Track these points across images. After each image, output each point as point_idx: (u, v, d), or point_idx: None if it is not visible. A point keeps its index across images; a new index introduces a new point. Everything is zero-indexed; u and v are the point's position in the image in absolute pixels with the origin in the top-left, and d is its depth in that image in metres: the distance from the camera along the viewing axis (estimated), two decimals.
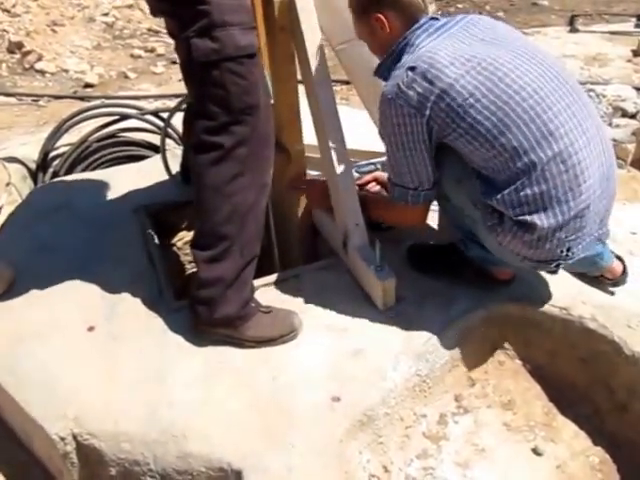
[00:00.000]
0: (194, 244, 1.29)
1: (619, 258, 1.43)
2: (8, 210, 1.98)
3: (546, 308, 1.39)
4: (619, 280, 1.41)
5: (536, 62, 1.20)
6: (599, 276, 1.42)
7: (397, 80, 1.20)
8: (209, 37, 1.09)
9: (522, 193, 1.15)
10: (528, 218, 1.16)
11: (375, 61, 1.37)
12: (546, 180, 1.15)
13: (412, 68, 1.18)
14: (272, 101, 1.52)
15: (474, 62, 1.17)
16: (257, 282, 1.45)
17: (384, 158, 1.79)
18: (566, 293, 1.41)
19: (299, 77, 1.48)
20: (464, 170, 1.23)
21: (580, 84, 1.32)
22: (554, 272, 1.34)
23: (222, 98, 1.14)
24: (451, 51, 1.19)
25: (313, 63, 1.38)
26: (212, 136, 1.17)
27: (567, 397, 1.36)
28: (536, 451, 1.26)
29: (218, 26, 1.09)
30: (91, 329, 1.35)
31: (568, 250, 1.22)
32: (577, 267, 1.37)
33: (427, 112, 1.17)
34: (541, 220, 1.16)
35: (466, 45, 1.21)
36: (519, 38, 1.28)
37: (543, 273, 1.45)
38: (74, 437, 1.15)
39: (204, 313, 1.28)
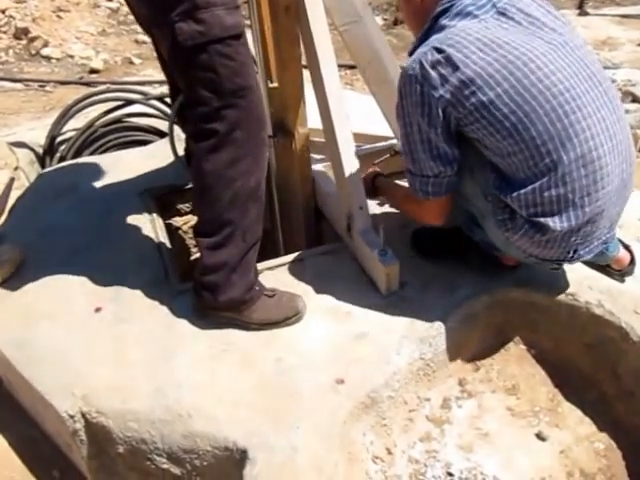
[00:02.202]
0: (197, 232, 1.28)
1: (627, 248, 1.41)
2: (16, 194, 1.99)
3: (552, 293, 1.38)
4: (627, 271, 1.38)
5: (572, 59, 1.13)
6: (605, 266, 1.40)
7: (421, 57, 1.13)
8: (194, 19, 1.06)
9: (539, 194, 1.11)
10: (542, 220, 1.13)
11: (379, 42, 1.35)
12: (565, 183, 1.10)
13: (438, 49, 1.11)
14: (276, 84, 1.51)
15: (505, 50, 1.09)
16: (261, 265, 1.45)
17: (386, 142, 1.78)
18: (572, 278, 1.40)
19: (303, 60, 1.47)
20: (479, 161, 1.18)
21: None
22: (556, 269, 1.32)
23: (212, 82, 1.11)
24: (482, 35, 1.10)
25: (318, 44, 1.37)
26: (207, 123, 1.15)
27: (572, 383, 1.36)
28: (540, 436, 1.26)
29: (202, 7, 1.06)
30: (98, 310, 1.36)
31: (575, 252, 1.19)
32: None
33: (448, 96, 1.10)
34: (554, 223, 1.12)
35: (502, 29, 1.12)
36: (560, 25, 1.17)
37: None
38: (83, 415, 1.17)
39: (209, 298, 1.28)
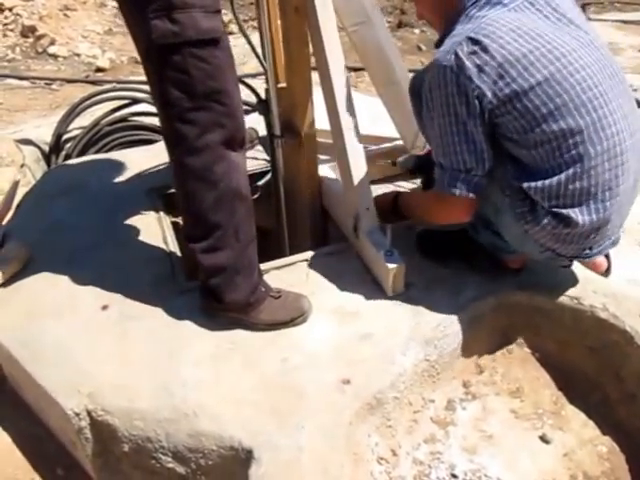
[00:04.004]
0: (187, 237, 1.26)
1: (606, 256, 1.41)
2: (23, 191, 2.00)
3: (556, 297, 1.38)
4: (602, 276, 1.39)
5: (598, 57, 1.15)
6: None
7: (455, 47, 1.11)
8: (169, 19, 1.04)
9: (564, 186, 1.11)
10: (564, 211, 1.13)
11: (387, 43, 1.35)
12: (590, 176, 1.11)
13: (474, 40, 1.10)
14: (284, 84, 1.51)
15: (540, 42, 1.10)
16: (266, 265, 1.46)
17: (392, 143, 1.79)
18: (577, 282, 1.40)
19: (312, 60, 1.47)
20: (497, 156, 1.18)
21: None
22: (566, 267, 1.32)
23: (184, 83, 1.08)
24: (517, 25, 1.11)
25: (327, 44, 1.37)
26: (177, 125, 1.12)
27: (576, 386, 1.36)
28: (544, 439, 1.26)
29: (178, 8, 1.04)
30: (105, 308, 1.37)
31: (590, 249, 1.20)
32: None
33: (484, 87, 1.10)
34: (576, 215, 1.13)
35: (531, 21, 1.13)
36: (584, 23, 1.19)
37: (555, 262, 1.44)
38: (88, 413, 1.17)
39: (214, 301, 1.28)
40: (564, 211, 1.13)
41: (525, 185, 1.15)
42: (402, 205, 1.48)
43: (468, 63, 1.10)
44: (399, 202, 1.49)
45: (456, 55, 1.11)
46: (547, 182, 1.12)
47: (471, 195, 1.20)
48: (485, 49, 1.10)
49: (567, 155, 1.11)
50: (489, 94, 1.11)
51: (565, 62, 1.11)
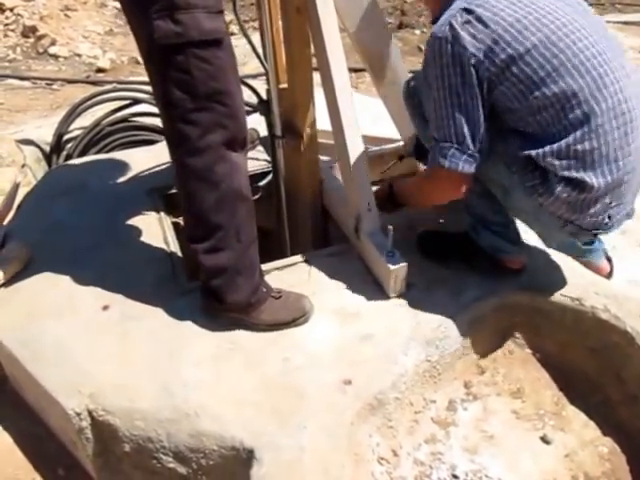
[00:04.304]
0: (188, 238, 1.27)
1: (609, 260, 1.41)
2: (24, 191, 2.00)
3: (557, 298, 1.38)
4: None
5: (592, 21, 1.16)
6: None
7: (450, 19, 1.13)
8: (172, 19, 1.04)
9: (573, 147, 1.10)
10: (577, 175, 1.11)
11: (388, 45, 1.35)
12: (598, 136, 1.10)
13: (467, 10, 1.12)
14: (286, 85, 1.51)
15: (533, 7, 1.12)
16: (267, 266, 1.46)
17: (393, 145, 1.79)
18: (578, 283, 1.40)
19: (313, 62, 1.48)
20: (498, 133, 1.16)
21: None
22: (590, 245, 1.27)
23: (186, 83, 1.08)
24: None
25: (329, 45, 1.37)
26: (179, 125, 1.13)
27: (577, 387, 1.36)
28: (545, 439, 1.27)
29: (181, 8, 1.04)
30: (105, 308, 1.37)
31: (609, 218, 1.17)
32: (562, 248, 1.34)
33: (481, 56, 1.10)
34: (590, 178, 1.11)
35: None
36: None
37: (557, 262, 1.44)
38: (89, 413, 1.17)
39: (215, 301, 1.29)
40: (577, 175, 1.10)
41: (534, 153, 1.12)
42: (397, 191, 1.47)
43: (462, 33, 1.11)
44: (394, 189, 1.49)
45: (450, 26, 1.12)
46: (555, 146, 1.10)
47: (460, 169, 1.17)
48: (479, 18, 1.11)
49: (572, 116, 1.10)
50: (486, 62, 1.11)
51: (559, 24, 1.12)
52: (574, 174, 1.11)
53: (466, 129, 1.14)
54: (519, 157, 1.15)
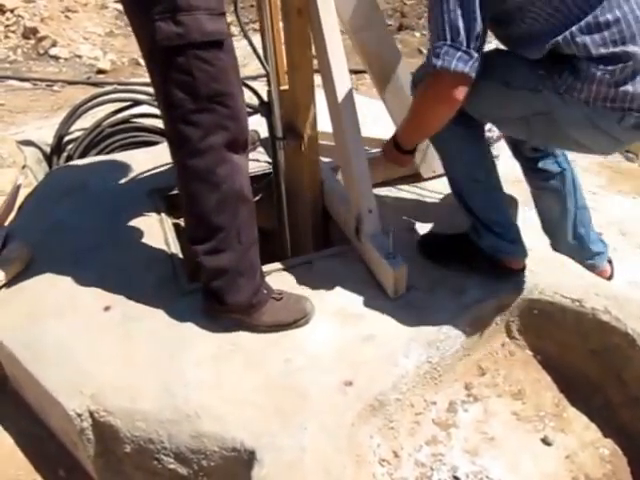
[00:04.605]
0: (190, 239, 1.27)
1: (609, 262, 1.41)
2: (24, 192, 2.00)
3: (558, 299, 1.38)
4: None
5: None
6: None
7: None
8: (173, 21, 1.04)
9: (602, 18, 1.03)
10: (616, 50, 1.04)
11: (389, 47, 1.34)
12: (620, 6, 1.04)
13: None
14: (287, 86, 1.52)
15: None
16: (269, 267, 1.46)
17: None
18: (579, 285, 1.40)
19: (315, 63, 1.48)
20: (510, 64, 1.11)
21: None
22: (617, 126, 1.13)
23: (188, 84, 1.09)
24: None
25: (330, 47, 1.37)
26: (180, 126, 1.13)
27: (578, 389, 1.36)
28: (545, 441, 1.26)
29: (183, 10, 1.04)
30: (107, 309, 1.37)
31: (632, 101, 1.07)
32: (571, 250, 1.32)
33: None
34: (628, 48, 1.04)
35: None
36: None
37: (557, 263, 1.44)
38: (91, 414, 1.17)
39: (216, 303, 1.29)
40: (616, 50, 1.04)
41: (560, 38, 1.05)
42: (398, 134, 1.38)
43: None
44: (396, 134, 1.39)
45: None
46: (582, 22, 1.03)
47: (454, 67, 1.07)
48: None
49: None
50: None
51: None
52: (610, 49, 1.04)
53: (461, 23, 1.05)
54: (543, 52, 1.07)
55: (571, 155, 1.56)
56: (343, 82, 1.40)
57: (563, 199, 1.52)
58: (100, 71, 3.87)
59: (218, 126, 1.14)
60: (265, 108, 1.59)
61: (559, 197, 1.52)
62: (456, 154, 1.38)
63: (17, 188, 2.06)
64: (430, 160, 1.77)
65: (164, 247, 1.56)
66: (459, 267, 1.45)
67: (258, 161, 1.90)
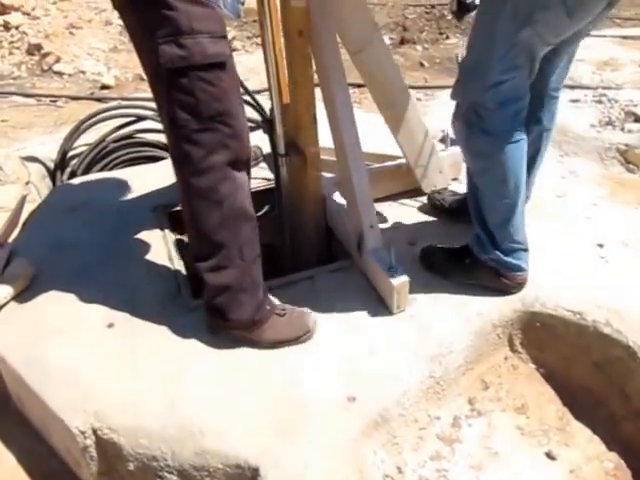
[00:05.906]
0: (194, 256, 1.28)
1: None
2: (28, 208, 2.01)
3: (560, 312, 1.39)
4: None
5: None
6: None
7: None
8: (177, 44, 1.07)
9: None
10: None
11: (389, 65, 1.35)
12: None
13: None
14: (289, 103, 1.54)
15: None
16: (271, 283, 1.46)
17: (395, 162, 1.81)
18: (580, 297, 1.41)
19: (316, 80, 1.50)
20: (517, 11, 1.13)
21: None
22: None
23: (191, 105, 1.12)
24: None
25: (330, 67, 1.40)
26: (183, 146, 1.15)
27: (581, 402, 1.36)
28: (550, 455, 1.26)
29: (186, 33, 1.07)
30: (110, 326, 1.38)
31: None
32: None
33: None
34: None
35: None
36: None
37: (559, 276, 1.45)
38: (94, 431, 1.17)
39: (219, 319, 1.29)
40: None
41: None
42: None
43: None
44: None
45: None
46: None
47: None
48: None
49: None
50: None
51: None
52: None
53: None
54: None
55: (573, 166, 1.55)
56: (343, 102, 1.42)
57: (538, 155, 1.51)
58: (104, 87, 3.91)
59: (220, 145, 1.16)
60: (267, 125, 1.61)
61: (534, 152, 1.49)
62: (495, 167, 1.33)
63: (22, 204, 2.07)
64: (431, 175, 1.78)
65: (168, 263, 1.57)
66: (461, 280, 1.46)
67: (258, 178, 1.92)
